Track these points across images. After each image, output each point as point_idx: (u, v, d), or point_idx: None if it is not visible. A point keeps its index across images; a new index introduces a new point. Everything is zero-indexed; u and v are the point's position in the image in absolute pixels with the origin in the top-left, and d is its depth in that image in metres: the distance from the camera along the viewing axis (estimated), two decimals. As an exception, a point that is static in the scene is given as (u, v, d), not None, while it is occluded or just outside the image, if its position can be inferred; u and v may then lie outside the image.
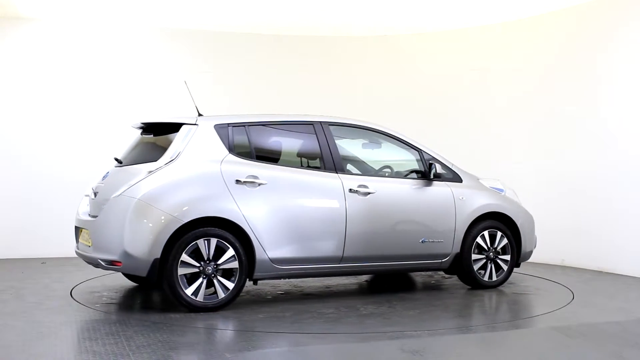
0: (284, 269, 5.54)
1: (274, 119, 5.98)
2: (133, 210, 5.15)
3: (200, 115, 5.78)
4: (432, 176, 6.12)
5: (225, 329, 4.72)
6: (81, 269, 7.58)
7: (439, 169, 6.16)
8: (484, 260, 6.29)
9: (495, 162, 8.70)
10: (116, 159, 5.93)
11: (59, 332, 4.65)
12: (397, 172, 6.34)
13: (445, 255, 6.17)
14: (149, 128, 5.96)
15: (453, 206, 6.17)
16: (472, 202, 6.26)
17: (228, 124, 5.64)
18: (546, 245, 8.10)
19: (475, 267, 6.26)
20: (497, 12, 8.55)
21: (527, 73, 8.63)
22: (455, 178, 6.32)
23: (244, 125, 5.70)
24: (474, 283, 6.30)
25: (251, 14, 8.62)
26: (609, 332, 4.75)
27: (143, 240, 5.10)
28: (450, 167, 6.35)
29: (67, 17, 8.72)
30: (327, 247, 5.65)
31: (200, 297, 5.20)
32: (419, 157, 6.26)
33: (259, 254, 5.38)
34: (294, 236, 5.53)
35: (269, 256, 5.43)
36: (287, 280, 6.87)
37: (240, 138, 5.63)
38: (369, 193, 5.82)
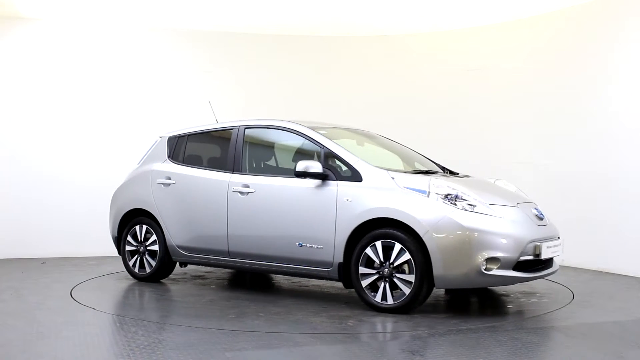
0: (189, 255, 6.45)
1: (208, 127, 6.74)
2: (110, 201, 7.16)
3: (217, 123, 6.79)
4: (295, 174, 5.59)
5: (226, 329, 4.72)
6: (81, 269, 7.59)
7: (310, 166, 5.47)
8: (375, 277, 5.23)
9: (495, 162, 8.70)
10: None
11: (59, 332, 4.65)
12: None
13: (328, 264, 5.45)
14: None
15: (334, 209, 5.40)
16: (359, 204, 5.30)
17: (176, 135, 6.88)
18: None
19: (366, 282, 5.26)
20: (497, 12, 8.55)
21: (527, 73, 8.63)
22: (354, 176, 5.45)
23: (185, 136, 6.82)
24: (366, 302, 5.31)
25: (251, 14, 8.63)
26: (609, 332, 4.76)
27: (111, 224, 7.10)
28: (352, 163, 5.49)
29: (68, 17, 8.72)
30: (216, 241, 6.18)
31: (136, 269, 6.76)
32: (320, 154, 5.69)
33: (168, 240, 6.52)
34: (190, 228, 6.38)
35: (175, 243, 6.48)
36: (285, 278, 6.88)
37: (179, 147, 6.78)
38: (250, 192, 5.94)
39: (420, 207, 5.09)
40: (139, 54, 9.16)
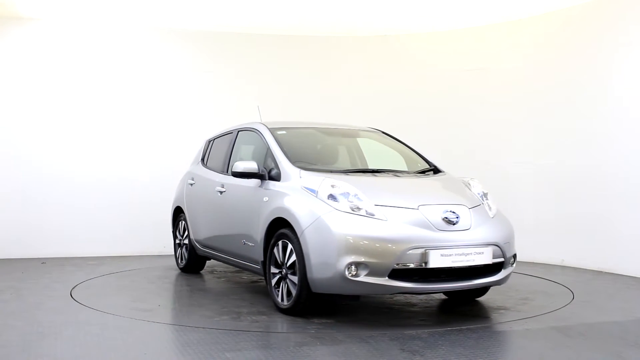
0: (204, 250, 6.84)
1: (223, 131, 7.04)
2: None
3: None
4: (232, 174, 5.72)
5: (226, 328, 4.72)
6: (81, 268, 7.59)
7: (245, 167, 5.54)
8: (278, 277, 5.19)
9: (495, 161, 8.70)
10: None
11: (59, 332, 4.65)
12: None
13: (258, 262, 5.55)
14: None
15: (258, 208, 5.48)
16: (271, 204, 5.31)
17: (209, 139, 7.33)
18: (546, 245, 8.12)
19: (274, 281, 5.24)
20: (497, 12, 8.55)
21: (527, 73, 8.63)
22: (277, 176, 5.47)
23: (212, 139, 7.24)
24: (273, 301, 5.30)
25: (251, 14, 8.62)
26: (609, 332, 4.76)
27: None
28: (278, 162, 5.52)
29: (68, 17, 8.72)
30: (212, 237, 6.57)
31: (179, 260, 7.49)
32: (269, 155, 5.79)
33: (191, 235, 7.05)
34: (198, 224, 6.86)
35: (194, 237, 6.98)
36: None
37: (208, 150, 7.23)
38: (223, 192, 6.31)
39: (304, 208, 4.94)
40: (138, 54, 9.15)
